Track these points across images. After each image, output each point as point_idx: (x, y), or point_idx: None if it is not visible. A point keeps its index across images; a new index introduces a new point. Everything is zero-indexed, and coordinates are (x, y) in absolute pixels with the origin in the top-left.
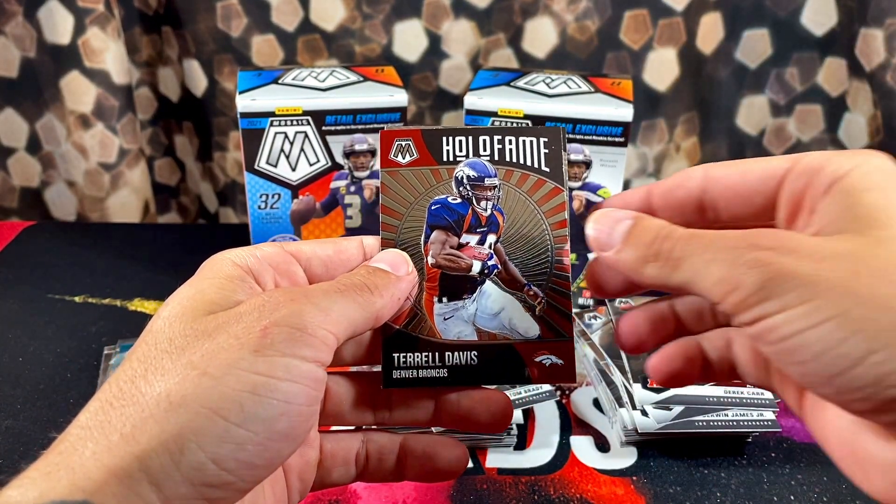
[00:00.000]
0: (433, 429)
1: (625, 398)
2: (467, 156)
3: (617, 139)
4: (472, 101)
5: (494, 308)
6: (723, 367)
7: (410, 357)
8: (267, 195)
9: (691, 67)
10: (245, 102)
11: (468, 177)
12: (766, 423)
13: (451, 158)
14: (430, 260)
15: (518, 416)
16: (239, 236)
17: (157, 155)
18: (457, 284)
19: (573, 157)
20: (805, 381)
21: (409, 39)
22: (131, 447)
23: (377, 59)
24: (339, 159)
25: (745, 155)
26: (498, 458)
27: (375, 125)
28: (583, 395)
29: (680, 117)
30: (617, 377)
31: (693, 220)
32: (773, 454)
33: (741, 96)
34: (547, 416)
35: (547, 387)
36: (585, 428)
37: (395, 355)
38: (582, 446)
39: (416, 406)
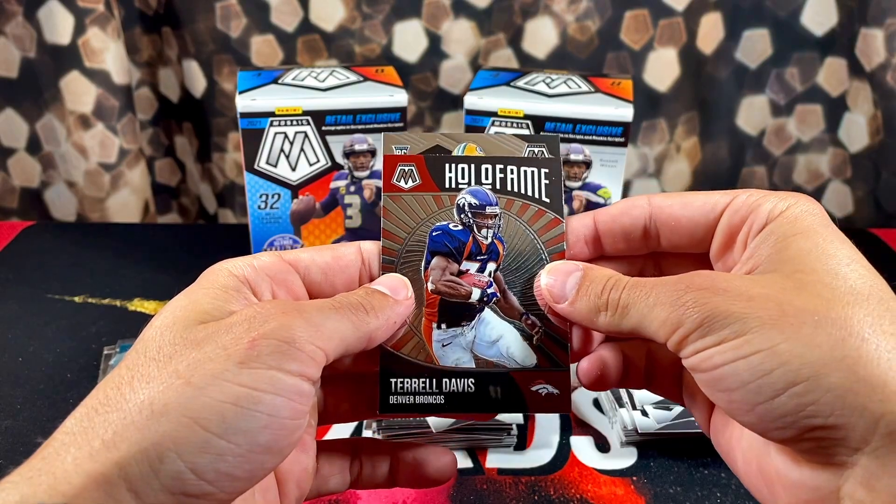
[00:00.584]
0: (431, 422)
1: (625, 398)
2: (469, 183)
3: (617, 139)
4: (472, 101)
5: (493, 336)
6: (639, 376)
7: (407, 383)
8: (267, 195)
9: (691, 67)
10: (245, 102)
11: (470, 204)
12: None
13: (454, 185)
14: (430, 286)
15: (518, 416)
16: (239, 236)
17: (158, 155)
18: (456, 311)
19: (573, 157)
20: (730, 407)
21: (408, 39)
22: (111, 454)
23: (377, 59)
24: (339, 159)
25: (746, 155)
26: (498, 458)
27: (375, 125)
28: (583, 395)
29: (680, 117)
30: None
31: (636, 245)
32: None
33: (741, 96)
34: (547, 417)
35: None
36: (585, 428)
37: (392, 381)
38: (582, 446)
39: None
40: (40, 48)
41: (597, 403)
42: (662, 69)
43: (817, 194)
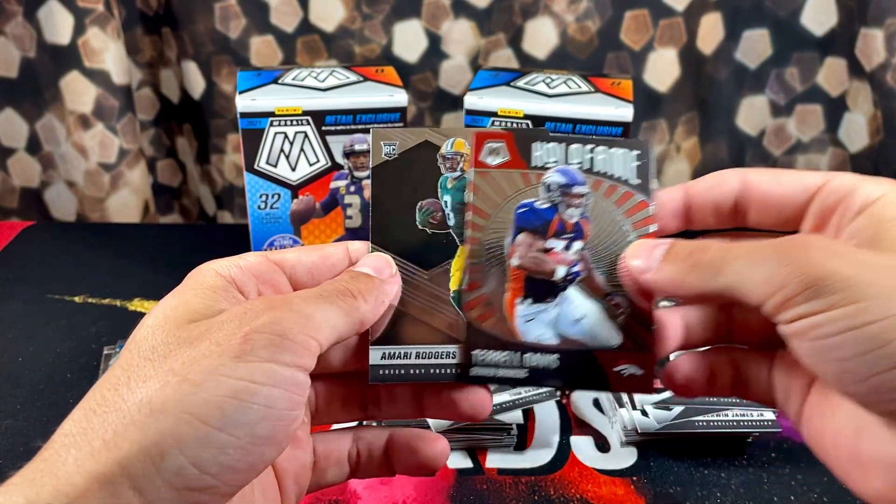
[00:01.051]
0: (431, 422)
1: (625, 398)
2: (558, 162)
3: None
4: (472, 101)
5: (577, 314)
6: (725, 385)
7: (490, 355)
8: (267, 195)
9: (691, 67)
10: (245, 102)
11: (557, 183)
12: (766, 423)
13: (541, 164)
14: (516, 261)
15: (518, 416)
16: (239, 236)
17: (160, 156)
18: (540, 288)
19: None
20: (839, 378)
21: (408, 39)
22: (113, 453)
23: (377, 59)
24: (339, 159)
25: (746, 155)
26: (498, 458)
27: (375, 125)
28: (583, 395)
29: (680, 118)
30: None
31: (725, 220)
32: (773, 454)
33: (741, 96)
34: (547, 416)
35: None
36: (585, 428)
37: (475, 353)
38: (582, 446)
39: (402, 401)
40: (40, 48)
41: (597, 403)
42: (662, 69)
43: None
